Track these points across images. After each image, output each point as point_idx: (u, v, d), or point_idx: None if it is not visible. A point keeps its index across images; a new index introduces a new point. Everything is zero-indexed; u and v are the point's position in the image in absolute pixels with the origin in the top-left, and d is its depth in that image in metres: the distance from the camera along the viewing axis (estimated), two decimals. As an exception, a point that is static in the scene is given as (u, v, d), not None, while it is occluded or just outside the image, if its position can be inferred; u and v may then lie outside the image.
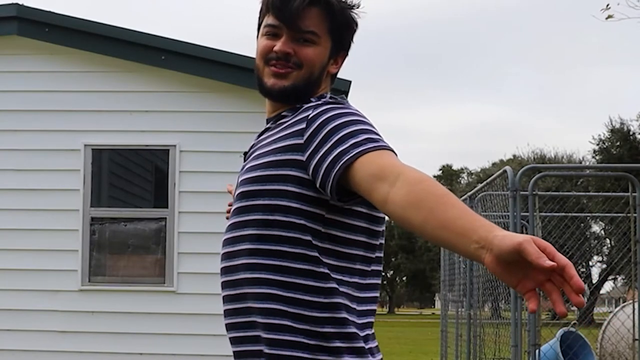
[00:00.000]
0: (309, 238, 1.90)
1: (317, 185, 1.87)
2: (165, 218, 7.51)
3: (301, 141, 1.90)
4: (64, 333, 7.41)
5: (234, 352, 2.01)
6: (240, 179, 2.02)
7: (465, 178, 63.37)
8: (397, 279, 72.10)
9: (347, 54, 2.11)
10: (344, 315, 1.91)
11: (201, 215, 7.44)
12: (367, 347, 1.93)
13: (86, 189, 7.52)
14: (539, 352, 6.51)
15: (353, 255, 1.95)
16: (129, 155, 7.89)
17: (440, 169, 70.93)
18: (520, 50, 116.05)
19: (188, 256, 7.45)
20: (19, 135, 7.60)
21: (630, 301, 9.02)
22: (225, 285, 2.01)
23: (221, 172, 7.42)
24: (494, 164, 49.08)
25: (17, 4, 7.64)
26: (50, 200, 7.50)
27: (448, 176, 67.72)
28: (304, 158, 1.89)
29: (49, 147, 7.56)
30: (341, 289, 1.91)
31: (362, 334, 1.93)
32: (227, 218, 2.06)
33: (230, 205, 2.44)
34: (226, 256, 2.00)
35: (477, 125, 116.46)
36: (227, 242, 2.00)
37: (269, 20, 2.05)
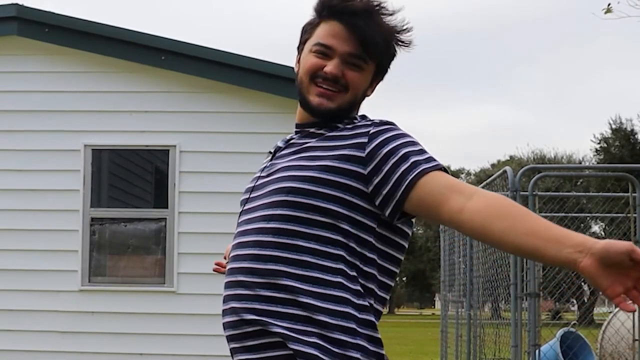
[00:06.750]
0: (352, 244, 1.97)
1: (379, 200, 1.94)
2: (165, 218, 7.51)
3: (362, 154, 1.97)
4: (64, 333, 7.41)
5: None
6: (278, 175, 2.03)
7: (464, 179, 63.36)
8: (397, 279, 72.16)
9: (382, 79, 2.16)
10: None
11: (201, 216, 7.44)
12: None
13: (86, 190, 7.52)
14: (539, 352, 6.51)
15: (391, 272, 2.07)
16: (129, 156, 7.89)
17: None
18: (522, 51, 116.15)
19: (188, 256, 7.45)
20: (19, 135, 7.60)
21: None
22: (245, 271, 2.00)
23: (221, 172, 7.44)
24: (493, 165, 49.06)
25: (17, 4, 7.63)
26: (50, 200, 7.50)
27: (447, 177, 67.52)
28: (365, 172, 1.96)
29: (49, 147, 7.56)
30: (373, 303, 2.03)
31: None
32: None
33: (219, 264, 2.51)
34: (256, 244, 2.00)
35: (477, 127, 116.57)
36: (261, 232, 2.00)
37: (321, 39, 2.07)
